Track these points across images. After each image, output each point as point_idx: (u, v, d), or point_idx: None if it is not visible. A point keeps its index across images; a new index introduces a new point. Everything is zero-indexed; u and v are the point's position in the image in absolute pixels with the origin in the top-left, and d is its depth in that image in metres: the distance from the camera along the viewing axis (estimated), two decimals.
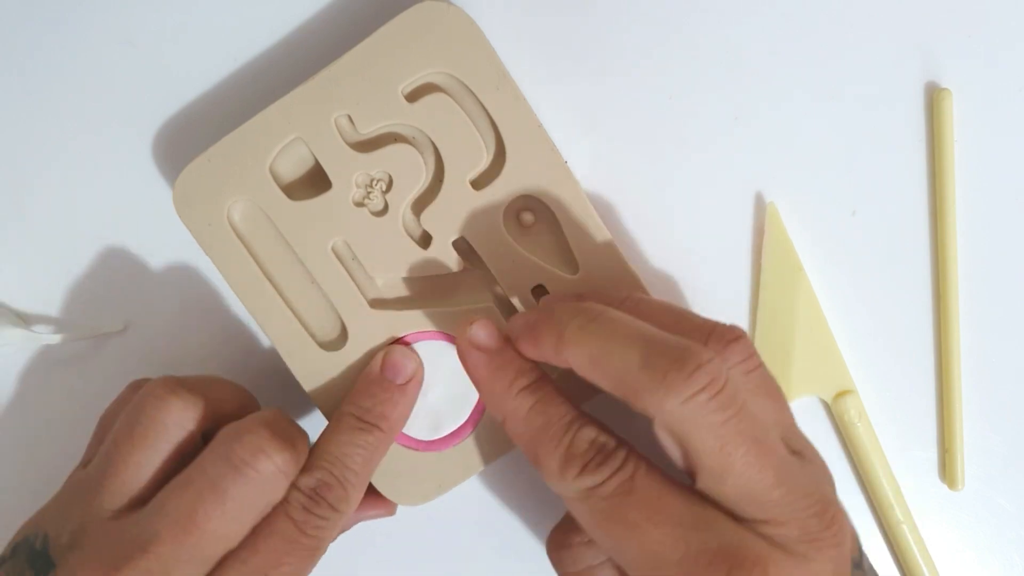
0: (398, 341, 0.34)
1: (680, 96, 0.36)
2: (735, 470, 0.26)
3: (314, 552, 0.31)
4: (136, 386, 0.34)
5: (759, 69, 0.35)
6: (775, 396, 0.29)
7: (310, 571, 0.32)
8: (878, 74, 0.35)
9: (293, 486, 0.31)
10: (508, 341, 0.31)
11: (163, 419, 0.31)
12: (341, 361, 0.34)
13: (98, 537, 0.30)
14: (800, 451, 0.29)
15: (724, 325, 0.29)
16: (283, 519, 0.31)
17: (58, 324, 0.37)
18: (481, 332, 0.31)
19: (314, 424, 0.37)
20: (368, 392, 0.33)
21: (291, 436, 0.31)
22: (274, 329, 0.34)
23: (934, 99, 0.35)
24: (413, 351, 0.33)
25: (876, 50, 0.35)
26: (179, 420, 0.31)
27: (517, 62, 0.34)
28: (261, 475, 0.30)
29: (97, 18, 0.35)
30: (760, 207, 0.36)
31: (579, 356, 0.28)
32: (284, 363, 0.34)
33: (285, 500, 0.31)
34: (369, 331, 0.34)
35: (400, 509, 0.36)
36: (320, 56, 0.34)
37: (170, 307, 0.37)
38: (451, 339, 0.34)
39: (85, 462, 0.33)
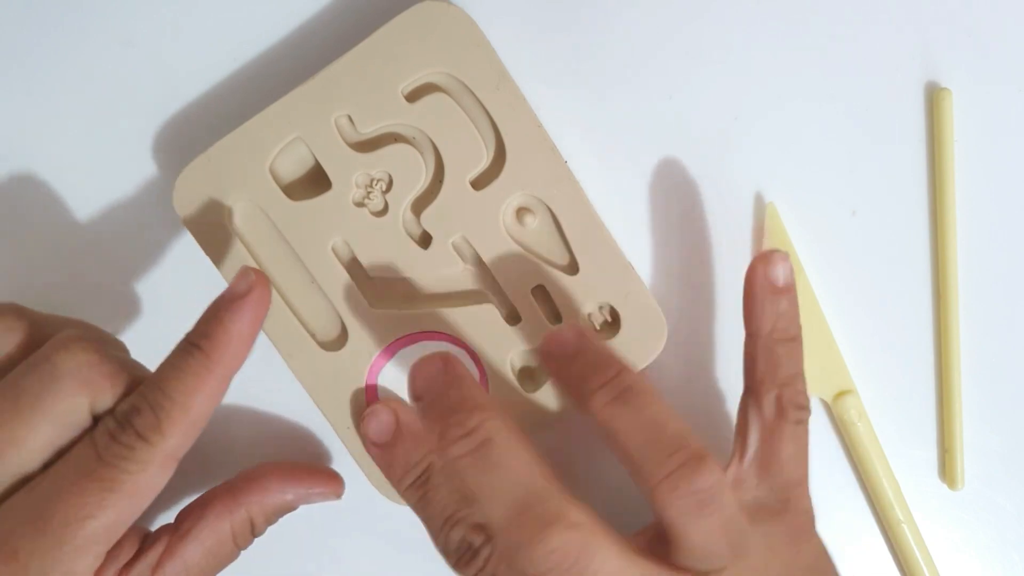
0: (398, 341, 0.34)
1: (680, 96, 0.36)
2: None
3: (114, 488, 0.27)
4: None
5: (759, 69, 0.35)
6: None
7: (120, 514, 0.28)
8: (878, 74, 0.35)
9: (109, 411, 0.29)
10: (398, 432, 0.31)
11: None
12: (341, 361, 0.34)
13: None
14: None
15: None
16: (85, 444, 0.28)
17: None
18: (371, 428, 0.31)
19: (315, 425, 0.37)
20: (204, 314, 0.30)
21: (113, 354, 0.29)
22: (274, 329, 0.34)
23: (934, 99, 0.35)
24: (256, 273, 0.30)
25: (876, 50, 0.35)
26: None
27: (517, 62, 0.34)
28: (56, 369, 0.28)
29: (97, 18, 0.35)
30: (760, 207, 0.36)
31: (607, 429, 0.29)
32: (284, 363, 0.34)
33: (96, 426, 0.28)
34: (369, 331, 0.34)
35: (399, 509, 0.36)
36: (320, 56, 0.34)
37: (169, 307, 0.37)
38: (452, 339, 0.34)
39: None
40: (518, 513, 0.28)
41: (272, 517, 0.34)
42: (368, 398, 0.34)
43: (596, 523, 0.28)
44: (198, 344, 0.29)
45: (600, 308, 0.34)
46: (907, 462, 0.37)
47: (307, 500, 0.35)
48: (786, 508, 0.31)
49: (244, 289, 0.29)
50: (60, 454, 0.28)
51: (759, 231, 0.36)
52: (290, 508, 0.34)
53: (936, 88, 0.35)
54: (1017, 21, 0.35)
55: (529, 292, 0.34)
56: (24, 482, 0.28)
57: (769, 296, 0.32)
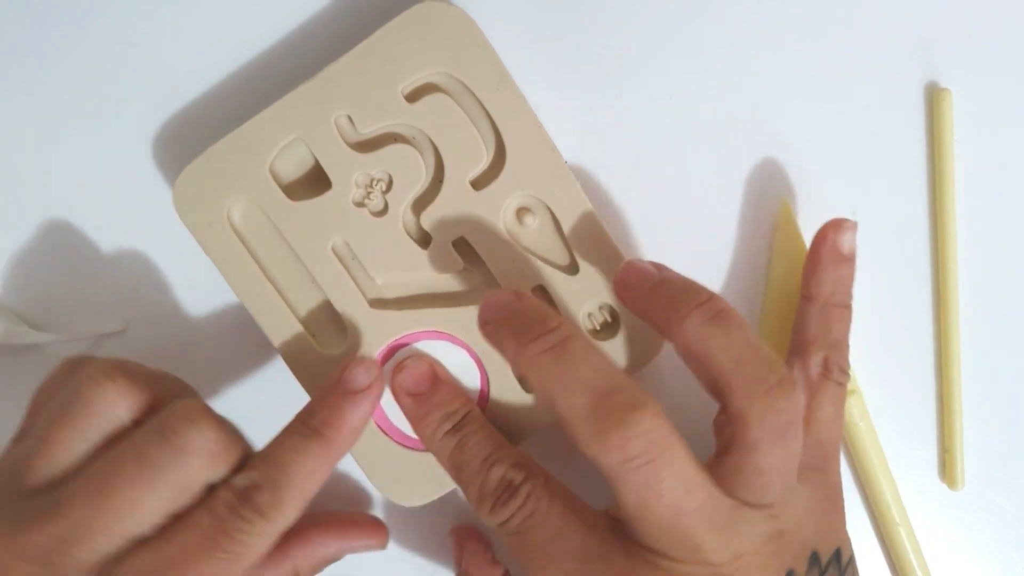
0: (398, 341, 0.34)
1: (680, 96, 0.36)
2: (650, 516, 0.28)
3: (233, 560, 0.29)
4: (71, 364, 0.32)
5: (759, 69, 0.35)
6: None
7: None
8: (878, 74, 0.35)
9: (224, 484, 0.30)
10: (436, 381, 0.33)
11: (96, 403, 0.30)
12: (341, 361, 0.34)
13: (12, 508, 0.29)
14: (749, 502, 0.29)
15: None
16: (205, 514, 0.29)
17: (58, 324, 0.37)
18: (409, 378, 0.33)
19: None
20: (320, 398, 0.31)
21: (228, 426, 0.30)
22: (274, 329, 0.34)
23: (934, 99, 0.35)
24: (376, 365, 0.31)
25: (876, 50, 0.35)
26: (112, 406, 0.30)
27: (517, 62, 0.34)
28: (185, 444, 0.29)
29: (97, 18, 0.35)
30: (759, 207, 0.36)
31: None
32: (284, 363, 0.34)
33: (213, 495, 0.29)
34: (369, 331, 0.34)
35: (400, 509, 0.36)
36: (320, 56, 0.34)
37: (170, 307, 0.37)
38: (451, 339, 0.34)
39: (18, 438, 0.32)
40: (604, 399, 0.28)
41: (316, 568, 0.35)
42: None
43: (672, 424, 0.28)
44: (321, 432, 0.30)
45: (600, 308, 0.34)
46: (907, 462, 0.37)
47: (351, 551, 0.35)
48: (825, 469, 0.32)
49: (367, 383, 0.31)
50: (171, 518, 0.29)
51: (760, 230, 0.36)
52: (334, 559, 0.35)
53: (936, 88, 0.35)
54: (1017, 21, 0.35)
55: (529, 292, 0.34)
56: (135, 542, 0.29)
57: (833, 261, 0.33)
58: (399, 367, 0.33)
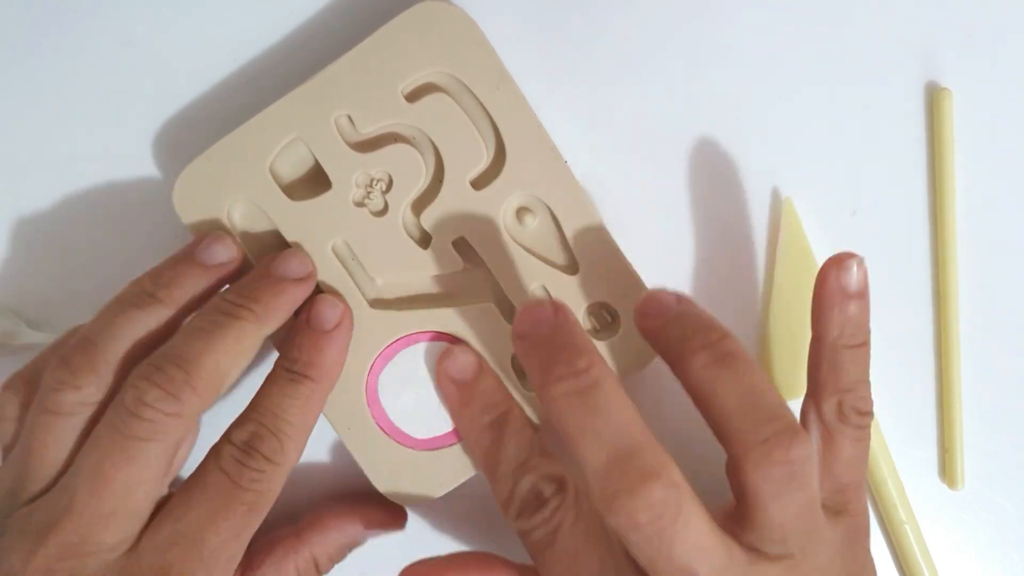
0: (398, 341, 0.34)
1: (679, 96, 0.36)
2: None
3: (252, 508, 0.30)
4: (23, 379, 0.33)
5: (759, 69, 0.35)
6: None
7: (253, 528, 0.30)
8: (878, 74, 0.35)
9: (225, 439, 0.30)
10: (481, 373, 0.32)
11: (65, 399, 0.30)
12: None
13: (19, 519, 0.29)
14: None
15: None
16: (216, 473, 0.30)
17: (58, 324, 0.37)
18: (454, 365, 0.33)
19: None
20: (295, 343, 0.32)
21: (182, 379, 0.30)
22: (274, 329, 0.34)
23: (934, 99, 0.35)
24: (340, 299, 0.33)
25: (876, 50, 0.35)
26: (81, 397, 0.30)
27: (517, 62, 0.34)
28: (153, 423, 0.29)
29: (96, 18, 0.35)
30: (760, 205, 0.36)
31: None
32: None
33: (217, 454, 0.30)
34: (369, 331, 0.34)
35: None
36: (320, 56, 0.34)
37: None
38: (452, 339, 0.34)
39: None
40: (620, 460, 0.27)
41: (336, 555, 0.35)
42: (368, 398, 0.34)
43: (690, 487, 0.28)
44: (308, 375, 0.31)
45: (600, 308, 0.34)
46: (907, 462, 0.37)
47: (370, 535, 0.35)
48: (845, 510, 0.31)
49: (337, 320, 0.32)
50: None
51: (760, 230, 0.36)
52: (353, 545, 0.35)
53: (936, 88, 0.35)
54: (1017, 21, 0.35)
55: (529, 292, 0.34)
56: (157, 505, 0.30)
57: (839, 300, 0.31)
58: (446, 353, 0.33)
